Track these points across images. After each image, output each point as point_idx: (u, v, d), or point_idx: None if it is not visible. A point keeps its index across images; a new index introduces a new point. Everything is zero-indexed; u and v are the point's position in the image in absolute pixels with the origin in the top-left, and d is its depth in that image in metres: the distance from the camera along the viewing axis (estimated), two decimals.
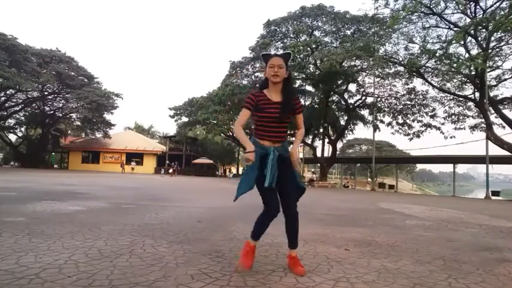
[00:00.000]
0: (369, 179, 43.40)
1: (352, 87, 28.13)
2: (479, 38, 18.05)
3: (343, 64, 24.10)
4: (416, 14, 18.94)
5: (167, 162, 39.49)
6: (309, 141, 30.28)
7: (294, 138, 2.55)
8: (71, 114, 38.93)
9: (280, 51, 26.92)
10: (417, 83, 36.32)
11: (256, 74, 29.53)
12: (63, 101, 38.73)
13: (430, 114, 25.74)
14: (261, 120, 2.37)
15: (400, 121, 26.97)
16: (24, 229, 3.48)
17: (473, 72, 18.87)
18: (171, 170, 34.09)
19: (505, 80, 20.69)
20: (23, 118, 39.76)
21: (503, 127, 20.06)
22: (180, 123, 37.63)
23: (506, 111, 20.89)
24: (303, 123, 2.51)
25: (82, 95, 34.09)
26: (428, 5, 18.18)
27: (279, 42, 27.02)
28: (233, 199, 2.32)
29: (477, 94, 20.17)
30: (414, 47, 21.21)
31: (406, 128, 26.68)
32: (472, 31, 17.45)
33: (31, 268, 2.22)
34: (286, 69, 2.37)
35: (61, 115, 39.57)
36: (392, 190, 30.48)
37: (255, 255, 2.47)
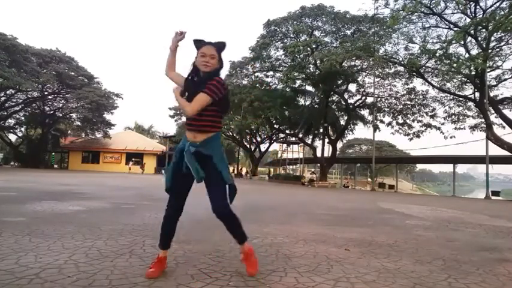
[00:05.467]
0: (369, 179, 43.44)
1: (352, 87, 28.18)
2: (479, 38, 18.05)
3: (343, 64, 24.10)
4: (416, 14, 18.95)
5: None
6: (309, 141, 30.30)
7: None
8: (71, 114, 38.90)
9: (281, 52, 27.01)
10: (417, 83, 36.33)
11: (256, 74, 29.57)
12: (63, 101, 38.70)
13: (430, 114, 25.77)
14: None
15: (400, 121, 26.99)
16: (24, 229, 3.48)
17: (473, 72, 18.86)
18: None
19: (505, 80, 20.70)
20: (23, 118, 39.74)
21: (503, 127, 20.06)
22: (180, 123, 37.64)
23: (506, 111, 20.93)
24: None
25: (82, 95, 34.08)
26: (428, 5, 18.19)
27: (279, 42, 27.03)
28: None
29: (477, 94, 20.17)
30: (414, 47, 21.26)
31: (406, 128, 26.69)
32: (472, 31, 17.46)
33: (31, 268, 2.22)
34: (219, 60, 2.23)
35: (61, 115, 39.55)
36: (392, 190, 30.47)
37: (165, 266, 2.29)
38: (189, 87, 2.25)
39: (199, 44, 2.25)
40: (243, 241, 2.36)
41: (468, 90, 22.27)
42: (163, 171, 34.95)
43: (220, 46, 2.26)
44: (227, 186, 2.25)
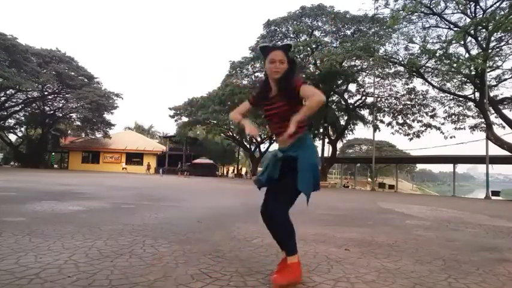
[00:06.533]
0: (369, 179, 43.45)
1: (352, 87, 28.20)
2: (479, 38, 18.06)
3: (343, 64, 24.11)
4: (416, 14, 18.96)
5: (179, 163, 39.45)
6: None
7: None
8: (71, 114, 38.96)
9: None
10: (417, 83, 36.34)
11: (256, 74, 29.58)
12: (63, 101, 38.76)
13: (430, 114, 25.80)
14: (266, 120, 2.23)
15: (400, 121, 27.02)
16: (24, 229, 3.48)
17: (473, 72, 18.87)
18: (185, 173, 34.45)
19: (505, 80, 20.72)
20: (23, 118, 39.78)
21: (503, 127, 20.07)
22: (180, 123, 37.67)
23: (506, 111, 20.94)
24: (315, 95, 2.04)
25: (82, 95, 34.12)
26: (428, 5, 18.19)
27: (279, 42, 27.03)
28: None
29: (477, 94, 20.18)
30: (414, 47, 21.27)
31: (406, 128, 26.72)
32: (472, 31, 17.47)
33: (31, 268, 2.22)
34: (288, 62, 2.13)
35: (61, 115, 39.58)
36: (392, 190, 30.48)
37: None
38: (266, 99, 2.19)
39: (265, 50, 2.17)
40: (283, 249, 2.20)
41: (468, 90, 22.31)
42: (161, 171, 35.19)
43: (287, 48, 2.19)
44: (298, 192, 2.09)
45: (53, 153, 46.53)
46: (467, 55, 18.69)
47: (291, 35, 26.64)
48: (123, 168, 37.27)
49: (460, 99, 23.49)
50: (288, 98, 2.10)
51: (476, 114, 23.01)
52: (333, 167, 47.33)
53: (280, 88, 2.13)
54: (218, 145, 47.35)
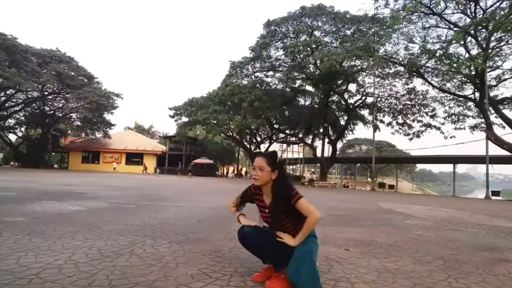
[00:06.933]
0: (369, 179, 43.44)
1: (352, 87, 28.18)
2: (479, 38, 18.05)
3: (343, 64, 24.10)
4: (416, 14, 18.94)
5: (179, 163, 39.40)
6: (309, 141, 30.30)
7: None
8: (71, 114, 38.92)
9: (281, 52, 27.01)
10: (417, 83, 36.36)
11: (256, 74, 29.58)
12: (63, 101, 38.72)
13: (430, 114, 25.74)
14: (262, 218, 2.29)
15: (400, 121, 26.98)
16: (24, 229, 3.48)
17: (473, 72, 18.85)
18: (189, 174, 34.53)
19: (505, 80, 20.68)
20: (23, 118, 39.74)
21: (503, 127, 20.05)
22: (180, 123, 37.64)
23: (506, 111, 20.90)
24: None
25: (82, 95, 34.08)
26: (428, 5, 18.18)
27: (279, 42, 27.03)
28: None
29: (477, 94, 20.16)
30: (414, 47, 21.23)
31: (406, 128, 26.68)
32: (472, 31, 17.45)
33: (31, 268, 2.22)
34: (274, 169, 2.15)
35: (61, 115, 39.55)
36: (392, 190, 30.47)
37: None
38: (260, 205, 2.25)
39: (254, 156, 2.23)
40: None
41: (468, 90, 22.28)
42: (158, 171, 35.22)
43: (270, 156, 2.22)
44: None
45: (53, 153, 46.50)
46: (467, 55, 18.67)
47: (291, 35, 26.62)
48: (114, 168, 37.45)
49: (460, 99, 23.47)
50: (287, 213, 2.13)
51: (476, 114, 22.99)
52: (333, 167, 47.30)
53: (275, 198, 2.16)
54: (218, 145, 47.35)
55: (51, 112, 39.69)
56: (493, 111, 20.09)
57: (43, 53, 34.07)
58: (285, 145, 36.30)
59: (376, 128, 25.64)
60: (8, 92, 33.79)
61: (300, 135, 29.79)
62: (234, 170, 49.55)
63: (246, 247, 2.28)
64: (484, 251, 3.51)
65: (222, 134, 38.54)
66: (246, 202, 2.32)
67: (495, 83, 21.30)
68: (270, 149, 48.62)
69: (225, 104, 29.41)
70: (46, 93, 36.97)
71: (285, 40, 26.68)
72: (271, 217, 2.18)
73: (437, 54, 18.65)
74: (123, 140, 41.86)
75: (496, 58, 19.00)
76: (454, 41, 17.74)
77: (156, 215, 5.10)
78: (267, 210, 2.20)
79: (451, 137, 23.50)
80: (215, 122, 31.73)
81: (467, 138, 32.42)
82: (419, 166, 72.82)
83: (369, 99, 27.99)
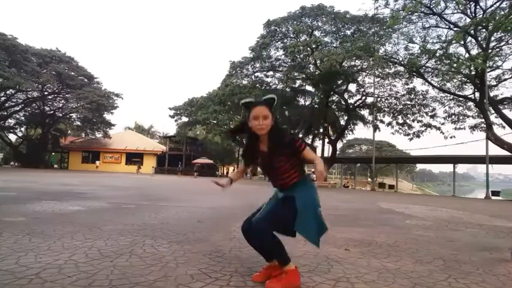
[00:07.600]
0: (369, 179, 43.46)
1: (352, 87, 28.19)
2: (479, 38, 18.04)
3: (343, 64, 24.10)
4: (416, 14, 18.93)
5: (179, 163, 39.40)
6: (309, 141, 30.32)
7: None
8: (71, 114, 38.94)
9: (281, 52, 27.02)
10: (417, 83, 36.34)
11: (256, 74, 29.57)
12: (63, 101, 38.74)
13: (430, 114, 25.74)
14: (262, 170, 2.36)
15: (400, 121, 26.98)
16: (24, 229, 3.48)
17: (473, 72, 18.85)
18: (195, 174, 34.65)
19: (505, 80, 20.68)
20: (23, 118, 39.75)
21: (503, 127, 20.05)
22: (180, 123, 37.67)
23: (506, 111, 20.89)
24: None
25: (82, 95, 34.10)
26: (428, 5, 18.17)
27: (279, 42, 27.04)
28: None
29: (477, 94, 20.16)
30: (414, 47, 21.22)
31: (406, 128, 26.68)
32: (472, 31, 17.44)
33: (31, 268, 2.22)
34: (272, 116, 2.11)
35: (61, 115, 39.57)
36: (392, 190, 30.47)
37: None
38: (257, 154, 2.24)
39: (248, 105, 2.16)
40: (267, 260, 2.22)
41: (468, 90, 22.27)
42: (153, 171, 35.25)
43: (270, 102, 2.15)
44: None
45: (53, 153, 46.50)
46: (467, 55, 18.66)
47: (291, 35, 26.63)
48: (96, 167, 37.57)
49: (460, 99, 23.46)
50: (287, 155, 2.12)
51: (476, 114, 22.99)
52: (333, 167, 47.33)
53: (274, 145, 2.13)
54: (218, 145, 47.36)
55: (51, 112, 39.70)
56: (493, 111, 20.08)
57: (43, 53, 34.08)
58: None
59: (376, 128, 25.65)
60: (8, 92, 33.80)
61: (300, 135, 29.80)
62: (234, 170, 49.50)
63: (248, 240, 2.23)
64: (484, 251, 3.51)
65: (222, 134, 38.56)
66: (253, 160, 2.32)
67: (495, 83, 21.31)
68: None
69: (225, 104, 29.41)
70: (46, 93, 36.98)
71: (285, 40, 26.69)
72: (268, 157, 2.15)
73: (437, 54, 18.64)
74: (123, 140, 41.88)
75: (496, 58, 18.99)
76: (454, 41, 17.73)
77: (156, 215, 5.10)
78: (267, 160, 2.18)
79: (451, 137, 23.50)
80: (215, 122, 31.74)
81: (467, 138, 32.42)
82: (419, 166, 72.95)
83: (369, 99, 28.03)
